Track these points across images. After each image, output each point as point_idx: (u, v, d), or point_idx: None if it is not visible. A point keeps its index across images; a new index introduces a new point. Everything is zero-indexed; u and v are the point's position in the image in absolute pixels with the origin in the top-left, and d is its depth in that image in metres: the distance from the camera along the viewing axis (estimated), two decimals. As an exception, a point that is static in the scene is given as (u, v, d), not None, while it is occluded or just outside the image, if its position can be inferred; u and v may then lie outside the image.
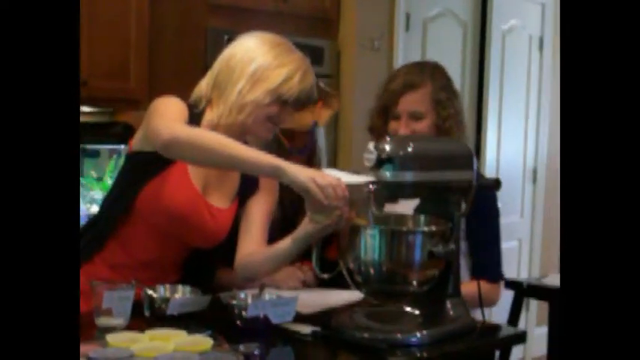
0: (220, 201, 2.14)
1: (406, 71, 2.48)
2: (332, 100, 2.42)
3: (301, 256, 2.40)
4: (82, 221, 2.87)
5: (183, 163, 2.06)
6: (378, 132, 2.46)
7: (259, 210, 2.18)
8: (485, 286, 2.28)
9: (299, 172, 1.84)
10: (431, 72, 2.43)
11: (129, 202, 2.07)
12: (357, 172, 1.91)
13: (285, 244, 2.07)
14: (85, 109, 4.05)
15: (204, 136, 1.93)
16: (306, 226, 2.01)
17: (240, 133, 2.10)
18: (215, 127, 2.10)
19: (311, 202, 1.86)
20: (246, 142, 2.23)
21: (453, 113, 2.39)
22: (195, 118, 2.08)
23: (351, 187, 1.87)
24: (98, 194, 4.02)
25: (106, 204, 2.20)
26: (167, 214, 2.06)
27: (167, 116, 1.97)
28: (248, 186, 2.19)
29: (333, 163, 4.16)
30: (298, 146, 2.46)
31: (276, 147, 2.38)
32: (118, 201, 2.11)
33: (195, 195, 2.08)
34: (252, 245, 2.15)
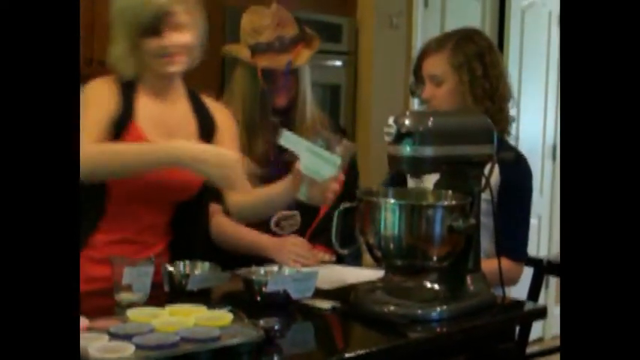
0: None
1: (437, 36, 2.49)
2: (313, 41, 2.47)
3: (317, 239, 2.41)
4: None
5: (136, 128, 2.09)
6: (417, 96, 2.53)
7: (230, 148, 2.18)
8: (507, 264, 2.24)
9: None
10: (460, 36, 2.39)
11: (101, 184, 2.08)
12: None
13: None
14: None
15: (110, 154, 1.99)
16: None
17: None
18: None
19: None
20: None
21: (476, 78, 2.34)
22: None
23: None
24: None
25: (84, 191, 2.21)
26: (138, 180, 2.06)
27: (82, 134, 1.86)
28: (205, 124, 2.22)
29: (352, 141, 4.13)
30: (277, 86, 2.46)
31: (255, 84, 2.43)
32: (92, 186, 2.07)
33: None
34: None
